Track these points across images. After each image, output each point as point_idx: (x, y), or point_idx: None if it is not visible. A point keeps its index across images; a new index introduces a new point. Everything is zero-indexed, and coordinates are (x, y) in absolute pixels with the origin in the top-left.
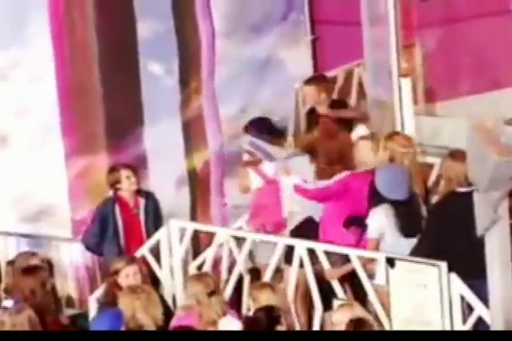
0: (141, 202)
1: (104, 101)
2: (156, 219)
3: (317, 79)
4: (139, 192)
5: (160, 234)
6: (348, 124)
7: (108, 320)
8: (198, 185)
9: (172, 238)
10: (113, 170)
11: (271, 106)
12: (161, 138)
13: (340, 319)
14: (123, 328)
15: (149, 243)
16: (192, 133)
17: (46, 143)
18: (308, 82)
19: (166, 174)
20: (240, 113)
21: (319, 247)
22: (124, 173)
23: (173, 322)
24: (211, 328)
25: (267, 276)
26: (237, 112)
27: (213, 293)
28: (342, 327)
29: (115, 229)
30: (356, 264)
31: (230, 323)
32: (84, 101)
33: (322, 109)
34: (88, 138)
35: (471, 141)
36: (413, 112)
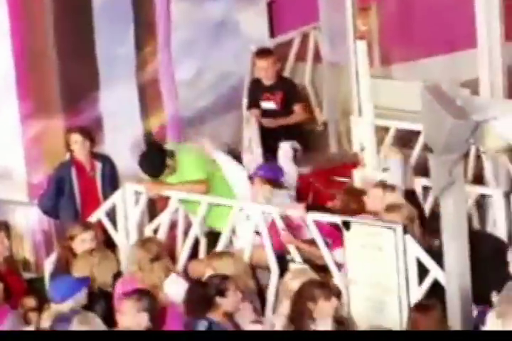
0: (98, 165)
1: (60, 65)
2: (112, 182)
3: (269, 52)
4: (95, 155)
5: (115, 198)
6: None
7: (65, 285)
8: None
9: (127, 202)
10: (66, 133)
11: (227, 68)
12: (117, 102)
13: (295, 286)
14: (84, 292)
15: (104, 206)
16: (148, 96)
17: (1, 107)
18: (261, 55)
19: (122, 138)
20: (196, 76)
21: (275, 211)
22: (73, 138)
23: (117, 286)
24: (155, 292)
25: (221, 242)
26: (193, 76)
27: (156, 258)
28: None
29: (71, 192)
30: (312, 228)
31: (174, 283)
32: (40, 65)
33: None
34: (44, 101)
35: (426, 104)
36: (369, 75)
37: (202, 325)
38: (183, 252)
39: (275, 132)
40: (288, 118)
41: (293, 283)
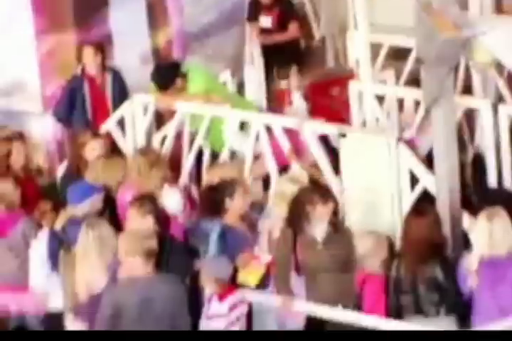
0: (108, 77)
1: None
2: (122, 94)
3: None
4: (106, 68)
5: (124, 109)
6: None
7: (82, 188)
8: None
9: (136, 112)
10: (78, 46)
11: None
12: (126, 18)
13: (291, 189)
14: (99, 195)
15: (114, 117)
16: (155, 12)
17: (17, 22)
18: None
19: (131, 52)
20: None
21: (277, 123)
22: (86, 51)
23: (119, 191)
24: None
25: (224, 155)
26: None
27: (155, 166)
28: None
29: (83, 103)
30: (308, 135)
31: (168, 193)
32: None
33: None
34: (57, 16)
35: (420, 20)
36: None
37: (216, 227)
38: (187, 162)
39: (274, 48)
40: (282, 35)
41: (290, 185)
